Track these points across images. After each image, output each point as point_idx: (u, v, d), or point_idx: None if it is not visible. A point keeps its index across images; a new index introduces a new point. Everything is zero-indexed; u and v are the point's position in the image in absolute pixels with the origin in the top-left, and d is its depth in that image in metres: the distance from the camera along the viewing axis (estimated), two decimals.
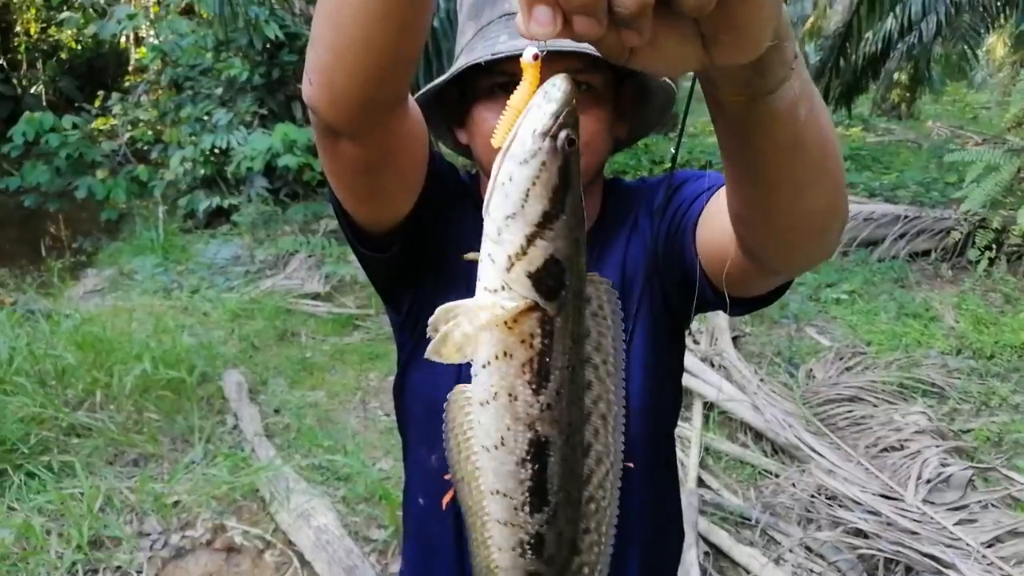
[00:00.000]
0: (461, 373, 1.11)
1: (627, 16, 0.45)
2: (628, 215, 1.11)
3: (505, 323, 0.58)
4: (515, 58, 0.93)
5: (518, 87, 0.56)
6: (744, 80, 0.57)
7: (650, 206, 1.09)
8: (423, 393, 1.14)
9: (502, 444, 0.64)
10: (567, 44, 0.91)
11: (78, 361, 4.20)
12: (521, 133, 0.55)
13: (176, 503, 3.32)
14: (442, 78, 1.00)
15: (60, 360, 4.18)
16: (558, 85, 0.54)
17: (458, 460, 0.68)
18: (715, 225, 0.90)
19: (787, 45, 0.56)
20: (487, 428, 0.64)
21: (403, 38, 0.72)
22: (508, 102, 0.56)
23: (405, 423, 1.22)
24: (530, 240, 0.55)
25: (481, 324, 0.59)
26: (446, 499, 1.11)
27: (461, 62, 0.99)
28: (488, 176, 1.08)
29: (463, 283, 1.06)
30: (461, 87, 1.04)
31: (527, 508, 0.68)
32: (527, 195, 0.55)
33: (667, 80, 1.01)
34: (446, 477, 1.11)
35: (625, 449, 1.08)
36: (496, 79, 0.97)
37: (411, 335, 1.15)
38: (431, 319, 0.61)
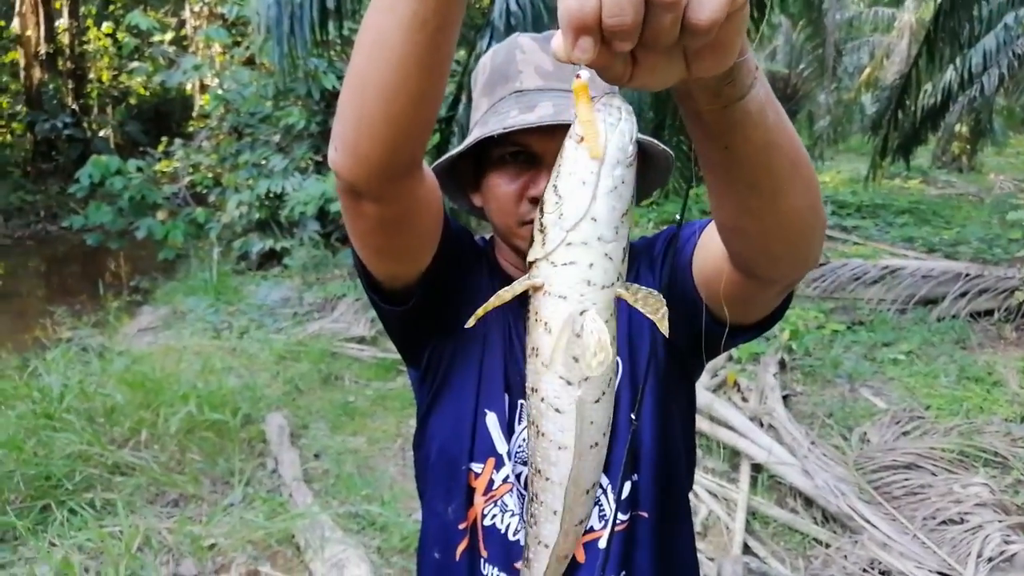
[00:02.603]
0: (477, 426, 1.13)
1: (663, 41, 0.54)
2: (631, 269, 1.16)
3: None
4: (524, 131, 1.01)
5: (580, 104, 0.61)
6: (717, 89, 0.65)
7: (651, 256, 1.15)
8: (441, 446, 1.17)
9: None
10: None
11: (127, 400, 4.27)
12: (621, 142, 0.62)
13: (212, 546, 3.32)
14: (459, 148, 1.08)
15: (109, 399, 4.26)
16: (618, 99, 0.63)
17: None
18: (708, 252, 0.97)
19: (749, 55, 0.65)
20: (601, 422, 0.70)
21: (418, 109, 0.80)
22: (579, 117, 0.62)
23: (423, 476, 1.24)
24: (628, 228, 0.64)
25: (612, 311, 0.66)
26: (459, 549, 1.13)
27: (476, 134, 1.07)
28: (501, 234, 1.14)
29: (478, 340, 1.14)
30: (476, 156, 1.12)
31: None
32: (633, 191, 0.64)
33: (665, 147, 1.09)
34: (461, 527, 1.13)
35: (637, 498, 1.12)
36: (507, 149, 1.06)
37: (429, 389, 1.18)
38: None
